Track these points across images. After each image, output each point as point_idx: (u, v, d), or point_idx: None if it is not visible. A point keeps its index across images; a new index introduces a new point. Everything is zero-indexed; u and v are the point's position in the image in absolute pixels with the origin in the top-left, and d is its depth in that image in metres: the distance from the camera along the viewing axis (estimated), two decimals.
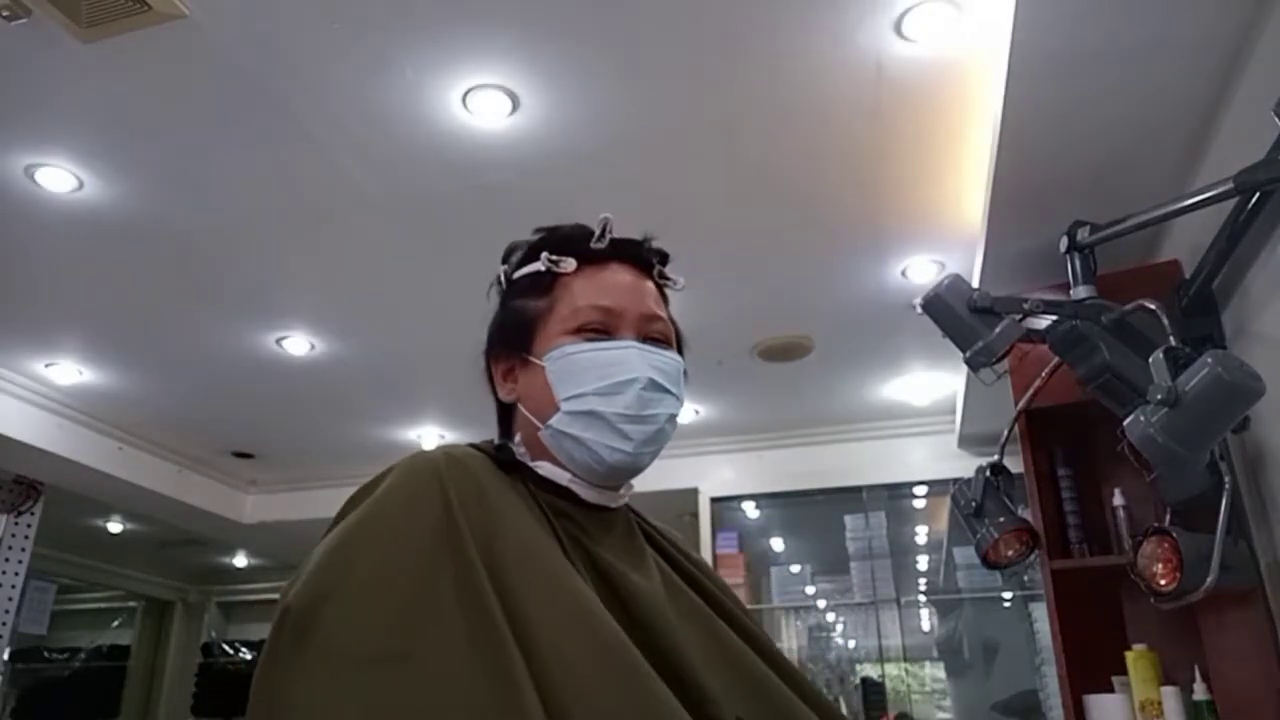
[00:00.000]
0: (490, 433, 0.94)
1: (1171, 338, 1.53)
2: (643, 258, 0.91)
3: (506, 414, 0.91)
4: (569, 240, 0.89)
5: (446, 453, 0.78)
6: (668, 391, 0.85)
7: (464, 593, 0.65)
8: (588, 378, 0.83)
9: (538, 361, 0.85)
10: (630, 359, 0.84)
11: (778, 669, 0.83)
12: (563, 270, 0.88)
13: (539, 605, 0.67)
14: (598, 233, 0.89)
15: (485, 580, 0.66)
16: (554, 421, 0.83)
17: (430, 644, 0.62)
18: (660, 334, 0.88)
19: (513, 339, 0.88)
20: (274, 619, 0.65)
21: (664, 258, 0.93)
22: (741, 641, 0.83)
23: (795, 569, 4.42)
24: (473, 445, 0.85)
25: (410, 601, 0.64)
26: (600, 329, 0.85)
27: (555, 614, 0.67)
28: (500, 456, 0.84)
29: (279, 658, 0.62)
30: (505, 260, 0.94)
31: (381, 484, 0.75)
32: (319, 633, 0.62)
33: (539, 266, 0.88)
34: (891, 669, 4.27)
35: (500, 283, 0.94)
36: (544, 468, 0.85)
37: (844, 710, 3.99)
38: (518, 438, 0.89)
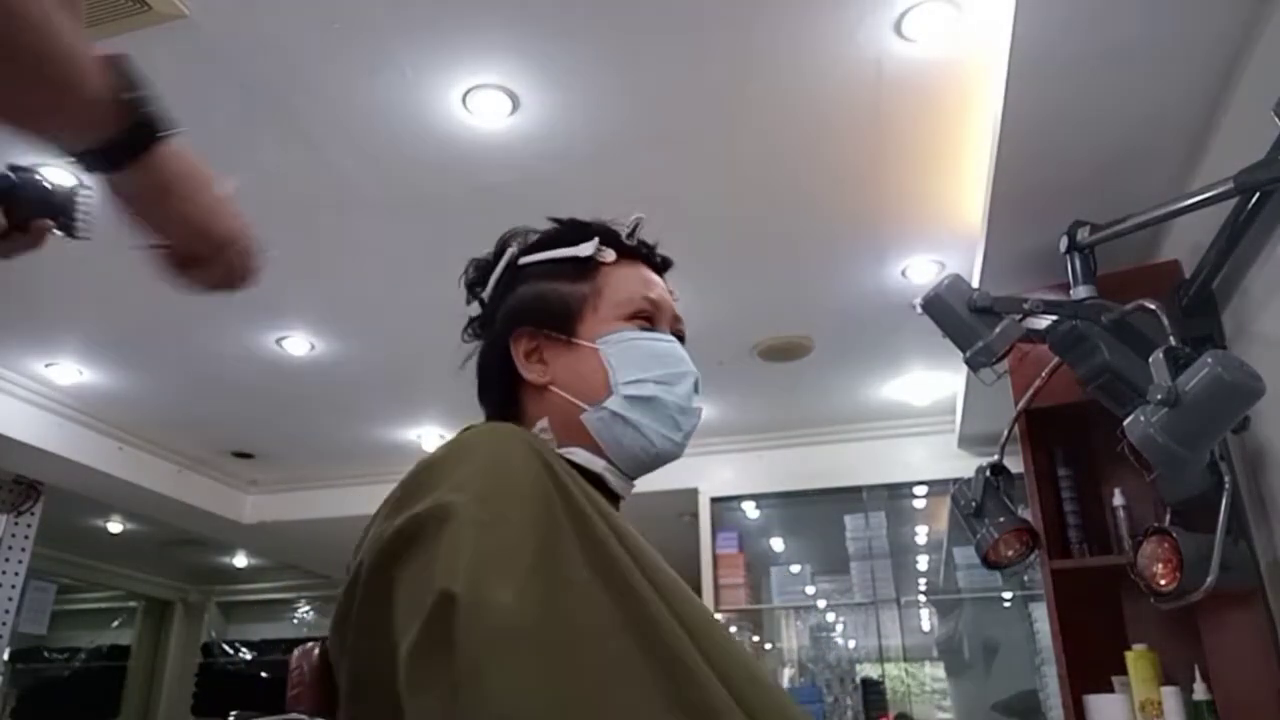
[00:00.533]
0: None
1: (1171, 338, 1.53)
2: (659, 262, 0.95)
3: (513, 396, 0.89)
4: (606, 232, 0.92)
5: (513, 429, 0.77)
6: (698, 391, 0.89)
7: (606, 572, 0.64)
8: (650, 365, 0.85)
9: (587, 344, 0.86)
10: (681, 354, 0.88)
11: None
12: (604, 259, 0.89)
13: (641, 577, 0.67)
14: (628, 231, 0.92)
15: (625, 554, 0.67)
16: (610, 404, 0.84)
17: (593, 628, 0.60)
18: (682, 336, 0.92)
19: (554, 320, 0.87)
20: (429, 606, 0.58)
21: (670, 266, 0.96)
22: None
23: (795, 569, 4.42)
24: None
25: (560, 575, 0.62)
26: (649, 320, 0.88)
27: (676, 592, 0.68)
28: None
29: (459, 645, 0.56)
30: (504, 246, 0.94)
31: (477, 453, 0.71)
32: (492, 617, 0.57)
33: (583, 252, 0.89)
34: (891, 669, 4.27)
35: (513, 264, 0.92)
36: (577, 454, 0.84)
37: (845, 711, 3.99)
38: (541, 423, 0.86)
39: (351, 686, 0.68)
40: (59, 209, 0.82)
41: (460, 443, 0.73)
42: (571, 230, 0.93)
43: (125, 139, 0.60)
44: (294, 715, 0.73)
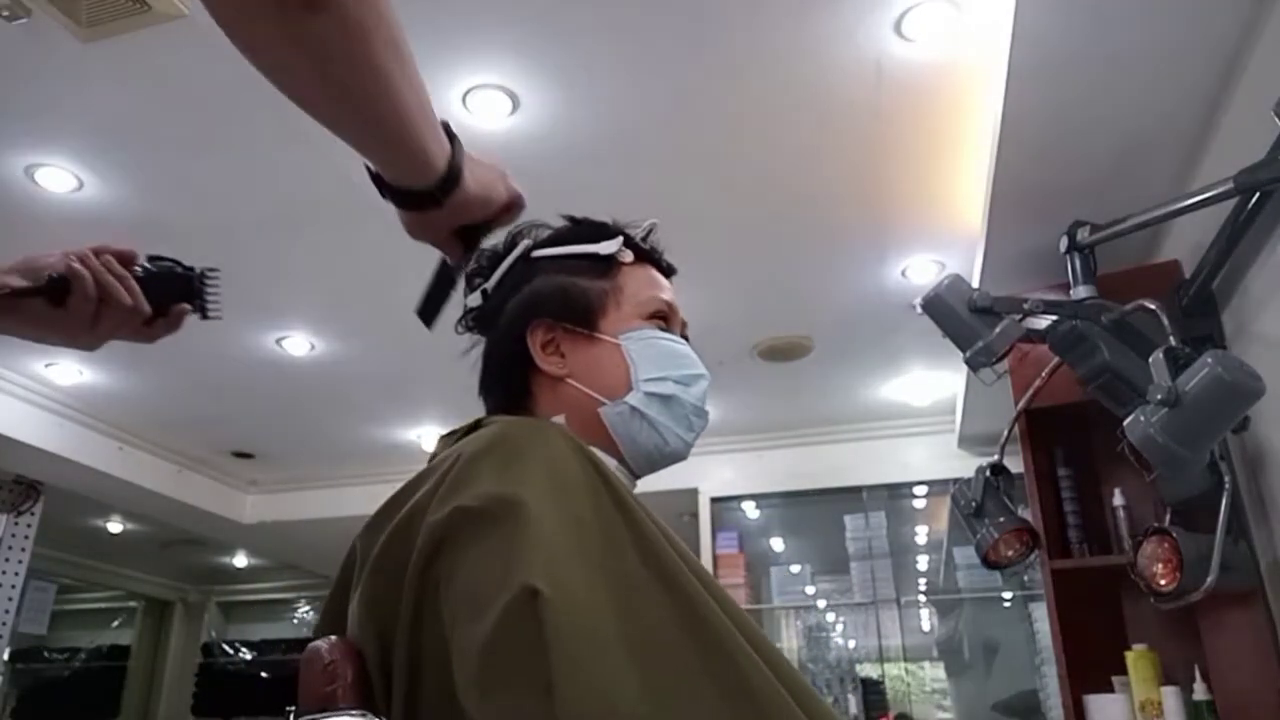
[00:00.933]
0: None
1: (1171, 338, 1.53)
2: (666, 268, 0.97)
3: (525, 387, 0.88)
4: (625, 234, 0.93)
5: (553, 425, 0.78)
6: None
7: (659, 570, 0.64)
8: (670, 364, 0.87)
9: (610, 339, 0.87)
10: (696, 357, 0.90)
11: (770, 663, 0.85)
12: (624, 259, 0.91)
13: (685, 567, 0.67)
14: (642, 234, 0.94)
15: (672, 551, 0.66)
16: (630, 399, 0.85)
17: (655, 628, 0.60)
18: (687, 340, 0.93)
19: (576, 313, 0.88)
20: (513, 603, 0.56)
21: (675, 272, 0.98)
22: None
23: (795, 569, 4.42)
24: None
25: (626, 572, 0.62)
26: (666, 321, 0.90)
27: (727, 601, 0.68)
28: None
29: (548, 643, 0.55)
30: (515, 240, 0.93)
31: (522, 448, 0.70)
32: (582, 615, 0.57)
33: (605, 249, 0.90)
34: (891, 669, 4.27)
35: (526, 256, 0.92)
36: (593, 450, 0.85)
37: (845, 711, 3.99)
38: (558, 419, 0.85)
39: (410, 673, 0.66)
40: (194, 293, 0.93)
41: (504, 436, 0.72)
42: (589, 228, 0.94)
43: (442, 187, 0.74)
44: (348, 712, 0.67)
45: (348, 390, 3.83)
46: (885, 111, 2.15)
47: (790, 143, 2.28)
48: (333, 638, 0.71)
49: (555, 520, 0.62)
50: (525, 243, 0.92)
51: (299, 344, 3.39)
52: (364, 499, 1.37)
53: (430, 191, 0.74)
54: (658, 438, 0.86)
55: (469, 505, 0.63)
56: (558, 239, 0.93)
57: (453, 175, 0.73)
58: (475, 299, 0.93)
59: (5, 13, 1.81)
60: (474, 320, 0.94)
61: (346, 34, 0.58)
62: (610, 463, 0.84)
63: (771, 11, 1.86)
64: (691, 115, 2.18)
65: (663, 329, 0.90)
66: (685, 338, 0.93)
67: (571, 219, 0.95)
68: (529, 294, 0.89)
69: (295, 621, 7.16)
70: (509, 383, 0.89)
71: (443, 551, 0.63)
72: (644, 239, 0.94)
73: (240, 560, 6.46)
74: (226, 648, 6.36)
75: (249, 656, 6.26)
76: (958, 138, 2.23)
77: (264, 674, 5.97)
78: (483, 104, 2.11)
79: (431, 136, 0.70)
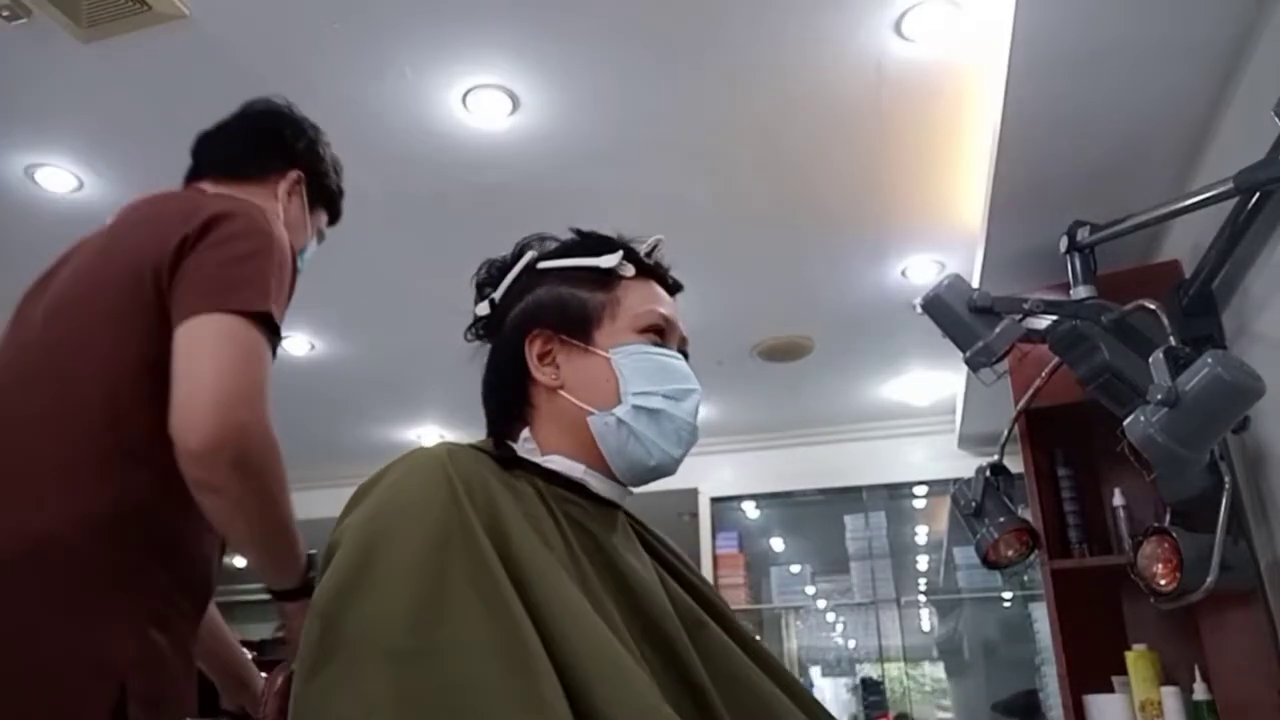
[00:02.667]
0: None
1: (1171, 338, 1.53)
2: (671, 285, 0.97)
3: (523, 396, 0.90)
4: (628, 248, 0.94)
5: (447, 448, 0.79)
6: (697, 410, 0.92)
7: (481, 586, 0.66)
8: (659, 379, 0.88)
9: (600, 352, 0.88)
10: (689, 372, 0.91)
11: (765, 667, 0.84)
12: (624, 273, 0.91)
13: (549, 598, 0.68)
14: (646, 249, 0.94)
15: (501, 572, 0.68)
16: (618, 411, 0.86)
17: (452, 637, 0.63)
18: (687, 356, 0.94)
19: (572, 325, 0.89)
20: (306, 620, 0.67)
21: (680, 289, 0.99)
22: (730, 641, 0.85)
23: (795, 569, 4.42)
24: (473, 445, 0.85)
25: (429, 595, 0.65)
26: (661, 336, 0.91)
27: (562, 608, 0.68)
28: (501, 454, 0.85)
29: (307, 657, 0.65)
30: (523, 250, 0.95)
31: (385, 479, 0.77)
32: (346, 625, 0.64)
33: (605, 263, 0.90)
34: (891, 669, 4.27)
35: (531, 268, 0.93)
36: (555, 461, 0.87)
37: (843, 711, 3.99)
38: (524, 433, 0.89)
39: None
40: None
41: (382, 470, 0.80)
42: (593, 241, 0.94)
43: (301, 588, 1.09)
44: None
45: (348, 390, 3.83)
46: (885, 111, 2.15)
47: (790, 143, 2.28)
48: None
49: (366, 550, 0.69)
50: (531, 254, 0.94)
51: (299, 344, 3.39)
52: None
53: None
54: (643, 451, 0.86)
55: (325, 550, 0.75)
56: (562, 251, 0.94)
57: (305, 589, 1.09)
58: (484, 308, 0.95)
59: (5, 13, 1.81)
60: (482, 329, 0.96)
61: (242, 501, 1.01)
62: (577, 470, 0.86)
63: (772, 12, 1.86)
64: (691, 115, 2.18)
65: (657, 343, 0.90)
66: (685, 353, 0.94)
67: (578, 232, 0.96)
68: (530, 303, 0.91)
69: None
70: (507, 392, 0.91)
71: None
72: (648, 255, 0.94)
73: (240, 560, 6.44)
74: None
75: (249, 656, 6.25)
76: (958, 138, 2.23)
77: (264, 674, 5.96)
78: (483, 104, 2.11)
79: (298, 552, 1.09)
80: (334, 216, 1.48)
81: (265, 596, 1.13)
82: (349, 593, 0.66)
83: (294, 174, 1.35)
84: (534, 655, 0.63)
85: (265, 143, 1.37)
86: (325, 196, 1.42)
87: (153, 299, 1.03)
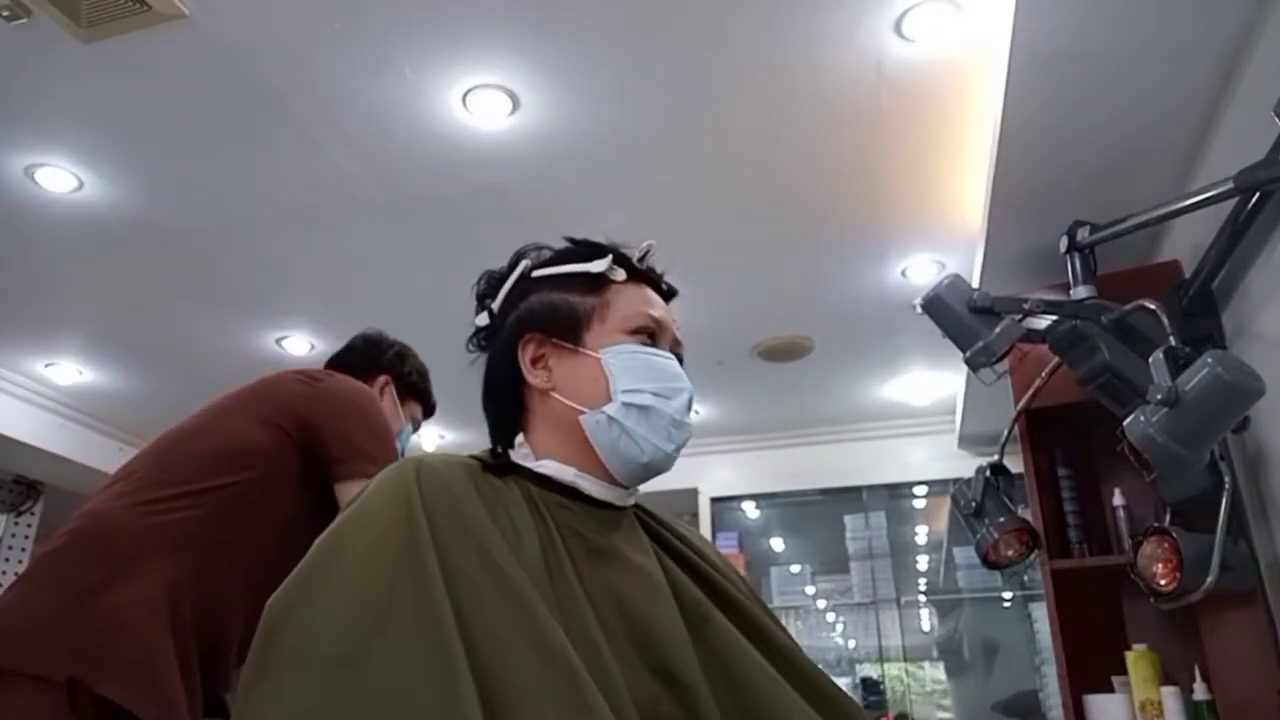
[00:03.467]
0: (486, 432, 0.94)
1: (1171, 338, 1.53)
2: (665, 289, 0.98)
3: (519, 401, 0.92)
4: (618, 253, 0.95)
5: (420, 461, 0.80)
6: (691, 408, 0.93)
7: (421, 602, 0.68)
8: (648, 377, 0.89)
9: (591, 353, 0.89)
10: (679, 370, 0.92)
11: (777, 659, 0.83)
12: (615, 277, 0.93)
13: (492, 613, 0.69)
14: (639, 255, 0.96)
15: (442, 589, 0.69)
16: (608, 409, 0.87)
17: (384, 648, 0.65)
18: (681, 359, 0.95)
19: (562, 328, 0.91)
20: (259, 632, 0.69)
21: (675, 294, 1.00)
22: (741, 635, 0.83)
23: (795, 569, 4.42)
24: (473, 456, 0.86)
25: (372, 609, 0.67)
26: (651, 337, 0.92)
27: (504, 622, 0.69)
28: (494, 461, 0.86)
29: (249, 670, 0.67)
30: (518, 260, 0.97)
31: (358, 497, 0.78)
32: (286, 635, 0.67)
33: (596, 268, 0.93)
34: (891, 669, 4.27)
35: (525, 276, 0.96)
36: (547, 465, 0.87)
37: None
38: (519, 439, 0.90)
39: None
40: None
41: (364, 487, 0.81)
42: (585, 248, 0.96)
43: None
44: None
45: None
46: (885, 111, 2.15)
47: (790, 142, 2.28)
48: None
49: (318, 568, 0.72)
50: (525, 263, 0.97)
51: (299, 344, 3.39)
52: None
53: None
54: (635, 448, 0.87)
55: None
56: (555, 259, 0.96)
57: None
58: (483, 318, 0.97)
59: (5, 13, 1.81)
60: (482, 339, 0.98)
61: None
62: (568, 474, 0.87)
63: (772, 12, 1.86)
64: (691, 115, 2.18)
65: (648, 343, 0.91)
66: (678, 355, 0.95)
67: (571, 240, 0.98)
68: (523, 310, 0.93)
69: None
70: (503, 397, 0.93)
71: None
72: (639, 259, 0.96)
73: None
74: None
75: None
76: (958, 138, 2.23)
77: None
78: (483, 104, 2.11)
79: None
80: (427, 411, 1.86)
81: None
82: (295, 605, 0.69)
83: (383, 377, 1.77)
84: (460, 673, 0.64)
85: (364, 354, 1.85)
86: (414, 393, 1.82)
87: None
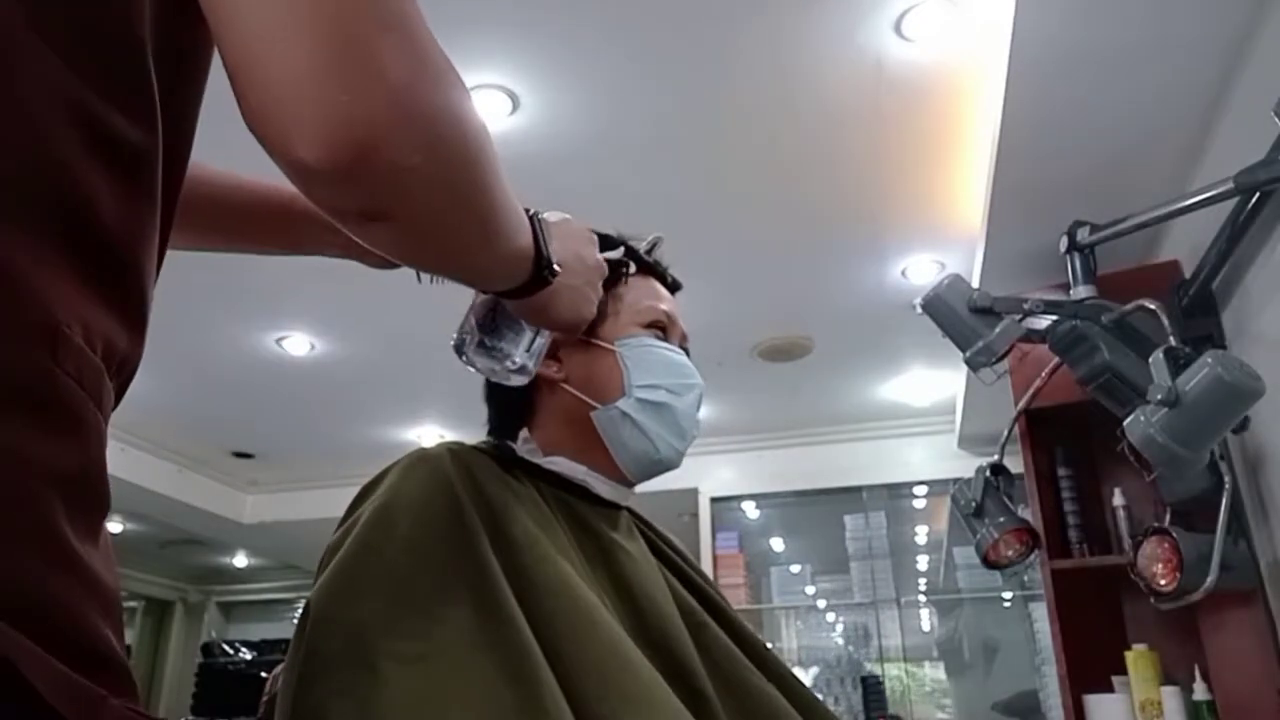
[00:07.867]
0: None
1: (1171, 338, 1.53)
2: (671, 283, 0.98)
3: (525, 393, 0.90)
4: (628, 246, 0.94)
5: (449, 448, 0.79)
6: (699, 405, 0.92)
7: (480, 592, 0.66)
8: (663, 372, 0.88)
9: (607, 345, 0.88)
10: (692, 367, 0.91)
11: (769, 672, 0.83)
12: (627, 270, 0.92)
13: (553, 604, 0.68)
14: (646, 247, 0.95)
15: (501, 579, 0.67)
16: (621, 404, 0.86)
17: (450, 643, 0.62)
18: (688, 352, 0.94)
19: None
20: (300, 621, 0.66)
21: (680, 288, 0.99)
22: (731, 642, 0.84)
23: (795, 569, 4.42)
24: (474, 446, 0.85)
25: (425, 600, 0.65)
26: (663, 331, 0.91)
27: (568, 613, 0.68)
28: (502, 454, 0.85)
29: (300, 662, 0.63)
30: None
31: (385, 480, 0.76)
32: (338, 632, 0.63)
33: (611, 258, 0.90)
34: (891, 669, 4.27)
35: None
36: (557, 463, 0.86)
37: (843, 711, 3.99)
38: (523, 434, 0.88)
39: None
40: None
41: (384, 471, 0.79)
42: (611, 240, 0.94)
43: (531, 283, 0.70)
44: None
45: (348, 390, 3.83)
46: (885, 111, 2.15)
47: (790, 142, 2.28)
48: None
49: (356, 556, 0.68)
50: None
51: (299, 344, 3.39)
52: None
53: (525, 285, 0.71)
54: (648, 444, 0.86)
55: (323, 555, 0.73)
56: None
57: (541, 268, 0.70)
58: None
59: None
60: None
61: (422, 220, 0.55)
62: (579, 471, 0.86)
63: (772, 11, 1.86)
64: (691, 115, 2.18)
65: (660, 338, 0.90)
66: (685, 350, 0.94)
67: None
68: None
69: (295, 621, 7.15)
70: (509, 390, 0.89)
71: None
72: (648, 252, 0.95)
73: (240, 560, 6.46)
74: (226, 648, 6.36)
75: (249, 656, 6.25)
76: (958, 137, 2.23)
77: (264, 674, 5.95)
78: (483, 104, 2.11)
79: (518, 244, 0.66)
80: None
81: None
82: (345, 595, 0.66)
83: None
84: (534, 663, 0.62)
85: None
86: None
87: None
